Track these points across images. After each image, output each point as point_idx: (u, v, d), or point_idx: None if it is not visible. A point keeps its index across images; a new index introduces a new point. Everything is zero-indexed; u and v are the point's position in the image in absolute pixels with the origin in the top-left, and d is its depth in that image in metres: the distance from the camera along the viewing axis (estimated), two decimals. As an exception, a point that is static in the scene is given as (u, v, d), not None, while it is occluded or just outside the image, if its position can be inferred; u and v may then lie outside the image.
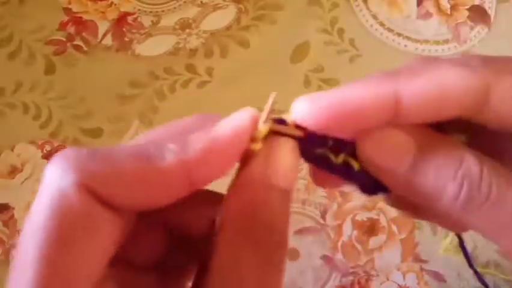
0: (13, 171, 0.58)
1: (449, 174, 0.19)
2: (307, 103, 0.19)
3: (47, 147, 0.59)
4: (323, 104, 0.19)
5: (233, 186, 0.19)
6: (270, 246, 0.18)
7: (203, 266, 0.19)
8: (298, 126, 0.20)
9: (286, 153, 0.19)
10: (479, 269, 0.50)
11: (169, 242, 0.22)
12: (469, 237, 0.52)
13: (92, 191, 0.17)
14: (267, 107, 0.20)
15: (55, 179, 0.18)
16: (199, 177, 0.18)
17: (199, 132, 0.19)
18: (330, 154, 0.20)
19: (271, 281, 0.18)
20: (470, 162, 0.19)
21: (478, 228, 0.20)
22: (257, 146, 0.19)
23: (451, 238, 0.52)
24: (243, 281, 0.17)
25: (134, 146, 0.19)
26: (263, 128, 0.19)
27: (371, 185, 0.21)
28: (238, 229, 0.18)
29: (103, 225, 0.18)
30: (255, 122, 0.19)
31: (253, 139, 0.19)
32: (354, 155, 0.20)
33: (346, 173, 0.21)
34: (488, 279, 0.50)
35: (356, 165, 0.20)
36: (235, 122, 0.19)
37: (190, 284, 0.22)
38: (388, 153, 0.20)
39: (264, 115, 0.20)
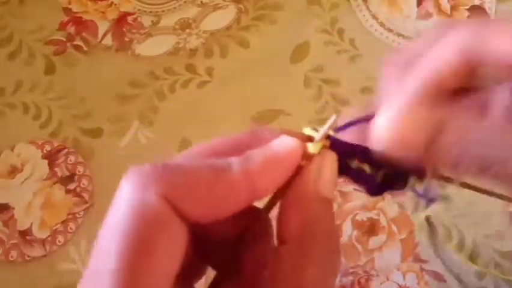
0: (13, 171, 0.58)
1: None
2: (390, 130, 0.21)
3: (47, 147, 0.59)
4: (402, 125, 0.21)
5: (289, 200, 0.20)
6: (330, 254, 0.20)
7: (226, 270, 0.21)
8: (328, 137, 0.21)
9: (332, 165, 0.21)
10: (477, 268, 0.50)
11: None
12: (469, 237, 0.52)
13: (172, 201, 0.18)
14: (325, 127, 0.21)
15: (136, 190, 0.18)
16: (260, 188, 0.20)
17: (259, 148, 0.20)
18: (349, 160, 0.22)
19: (330, 284, 0.20)
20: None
21: None
22: (307, 162, 0.21)
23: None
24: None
25: (200, 160, 0.20)
26: (316, 146, 0.21)
27: (379, 186, 0.22)
28: (302, 241, 0.20)
29: (178, 236, 0.18)
30: (305, 141, 0.21)
31: (304, 155, 0.21)
32: (365, 158, 0.22)
33: (359, 176, 0.22)
34: (488, 279, 0.50)
35: (367, 169, 0.22)
36: (289, 140, 0.21)
37: (196, 284, 0.22)
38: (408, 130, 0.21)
39: (320, 134, 0.21)
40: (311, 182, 0.20)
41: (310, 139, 0.21)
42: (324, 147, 0.21)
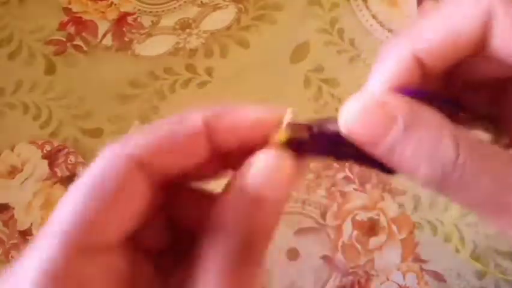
0: (13, 171, 0.58)
1: (424, 155, 0.19)
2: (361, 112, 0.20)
3: (47, 147, 0.59)
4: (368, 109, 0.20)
5: (229, 190, 0.19)
6: (247, 263, 0.18)
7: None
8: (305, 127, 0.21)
9: (285, 169, 0.19)
10: (479, 266, 0.50)
11: (171, 234, 0.23)
12: (469, 237, 0.52)
13: (137, 159, 0.19)
14: (286, 119, 0.21)
15: (101, 156, 0.19)
16: (220, 143, 0.20)
17: (228, 107, 0.21)
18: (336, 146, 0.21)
19: None
20: (448, 144, 0.19)
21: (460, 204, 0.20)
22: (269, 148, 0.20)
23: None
24: (220, 284, 0.18)
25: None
26: (281, 135, 0.20)
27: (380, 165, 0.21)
28: (214, 237, 0.18)
29: (138, 195, 0.19)
30: (279, 119, 0.20)
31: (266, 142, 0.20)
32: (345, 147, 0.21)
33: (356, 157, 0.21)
34: (488, 279, 0.50)
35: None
36: (263, 111, 0.21)
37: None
38: (372, 125, 0.20)
39: (284, 123, 0.20)
40: (254, 177, 0.19)
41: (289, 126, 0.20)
42: (291, 139, 0.20)
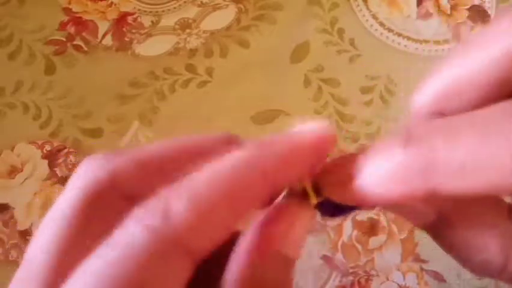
0: (13, 171, 0.58)
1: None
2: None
3: (47, 147, 0.59)
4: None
5: (247, 246, 0.17)
6: None
7: None
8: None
9: (308, 224, 0.18)
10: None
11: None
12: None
13: (120, 187, 0.18)
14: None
15: (88, 171, 0.18)
16: (275, 182, 0.16)
17: (274, 136, 0.17)
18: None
19: None
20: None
21: None
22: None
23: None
24: None
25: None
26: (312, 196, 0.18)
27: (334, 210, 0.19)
28: None
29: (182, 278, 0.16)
30: (333, 139, 0.17)
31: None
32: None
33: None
34: (488, 280, 0.50)
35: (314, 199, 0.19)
36: (315, 132, 0.17)
37: None
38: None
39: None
40: (280, 236, 0.17)
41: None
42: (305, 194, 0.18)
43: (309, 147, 0.17)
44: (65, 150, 0.59)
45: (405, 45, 0.63)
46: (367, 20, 0.65)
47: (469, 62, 0.16)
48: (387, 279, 0.51)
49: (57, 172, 0.58)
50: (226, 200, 0.15)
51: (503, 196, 0.19)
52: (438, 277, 0.51)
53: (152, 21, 0.66)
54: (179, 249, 0.15)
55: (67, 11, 0.67)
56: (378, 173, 0.16)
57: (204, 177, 0.15)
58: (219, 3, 0.67)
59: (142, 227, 0.14)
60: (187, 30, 0.66)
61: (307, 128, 0.17)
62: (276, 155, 0.16)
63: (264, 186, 0.16)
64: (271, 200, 0.18)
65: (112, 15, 0.67)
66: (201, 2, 0.67)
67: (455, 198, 0.17)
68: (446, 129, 0.15)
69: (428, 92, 0.17)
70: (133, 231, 0.14)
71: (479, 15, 0.64)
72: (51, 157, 0.59)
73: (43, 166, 0.58)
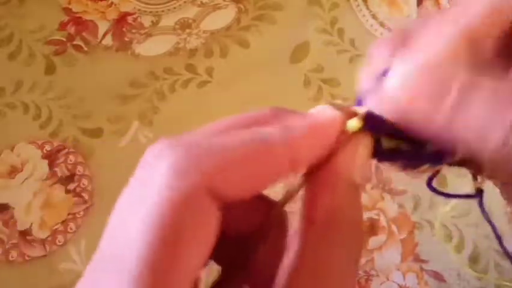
0: (13, 171, 0.58)
1: (489, 119, 0.17)
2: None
3: (47, 147, 0.59)
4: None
5: (320, 181, 0.19)
6: (353, 243, 0.19)
7: (235, 266, 0.20)
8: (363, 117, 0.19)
9: (366, 150, 0.19)
10: (477, 274, 0.50)
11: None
12: (469, 237, 0.52)
13: (210, 186, 0.16)
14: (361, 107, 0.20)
15: (172, 176, 0.16)
16: (299, 160, 0.18)
17: (296, 117, 0.20)
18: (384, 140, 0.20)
19: (350, 273, 0.19)
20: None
21: None
22: (342, 141, 0.19)
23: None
24: (331, 274, 0.18)
25: (231, 133, 0.18)
26: (355, 123, 0.19)
27: (419, 159, 0.20)
28: (326, 227, 0.19)
29: (212, 229, 0.17)
30: (347, 115, 0.19)
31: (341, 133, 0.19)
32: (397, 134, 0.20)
33: (394, 155, 0.20)
34: (489, 281, 0.50)
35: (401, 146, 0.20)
36: (331, 110, 0.20)
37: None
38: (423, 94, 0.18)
39: (363, 110, 0.19)
40: (345, 166, 0.19)
41: (349, 114, 0.19)
42: (359, 127, 0.19)
43: (324, 133, 0.19)
44: (65, 150, 0.59)
45: (405, 45, 0.63)
46: (367, 20, 0.65)
47: None
48: (387, 279, 0.51)
49: (58, 172, 0.58)
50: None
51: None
52: (438, 277, 0.51)
53: (152, 21, 0.66)
54: (209, 194, 0.16)
55: (67, 11, 0.67)
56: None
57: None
58: (219, 3, 0.67)
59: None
60: (187, 30, 0.66)
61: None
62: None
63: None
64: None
65: (112, 15, 0.67)
66: (201, 2, 0.67)
67: None
68: None
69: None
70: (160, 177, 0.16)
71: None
72: (51, 157, 0.59)
73: (43, 166, 0.58)
